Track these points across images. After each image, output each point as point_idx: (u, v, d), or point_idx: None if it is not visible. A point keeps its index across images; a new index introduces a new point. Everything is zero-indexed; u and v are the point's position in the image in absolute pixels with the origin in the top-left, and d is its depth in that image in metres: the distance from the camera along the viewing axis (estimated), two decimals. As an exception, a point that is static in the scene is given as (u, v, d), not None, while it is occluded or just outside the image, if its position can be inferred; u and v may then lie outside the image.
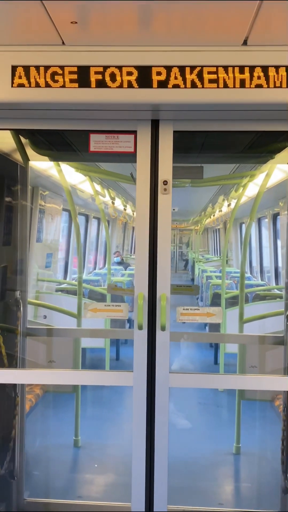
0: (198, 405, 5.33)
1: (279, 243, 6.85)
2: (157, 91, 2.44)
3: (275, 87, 2.42)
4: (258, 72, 2.41)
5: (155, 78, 2.43)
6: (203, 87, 2.42)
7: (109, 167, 4.75)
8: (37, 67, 2.45)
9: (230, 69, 2.41)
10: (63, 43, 2.44)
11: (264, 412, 4.60)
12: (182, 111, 2.63)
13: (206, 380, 2.94)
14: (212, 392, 5.48)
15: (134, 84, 2.44)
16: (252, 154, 3.62)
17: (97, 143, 2.78)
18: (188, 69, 2.42)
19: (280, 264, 6.89)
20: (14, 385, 3.38)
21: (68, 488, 3.86)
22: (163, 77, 2.43)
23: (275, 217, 6.83)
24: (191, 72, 2.42)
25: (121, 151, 2.77)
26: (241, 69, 2.41)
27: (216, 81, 2.42)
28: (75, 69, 2.44)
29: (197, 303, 8.43)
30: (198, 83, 2.42)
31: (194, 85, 2.43)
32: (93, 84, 2.45)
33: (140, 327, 2.75)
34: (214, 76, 2.41)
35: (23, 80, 2.47)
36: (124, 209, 7.55)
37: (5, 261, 3.55)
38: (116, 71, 2.43)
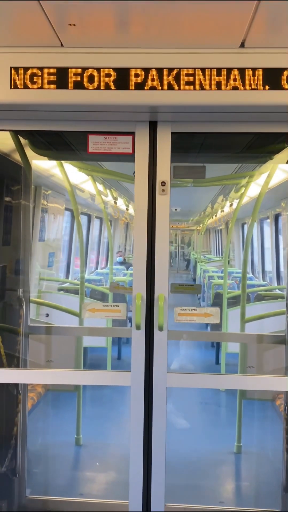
0: (199, 404, 5.34)
1: (281, 243, 6.85)
2: (154, 93, 2.45)
3: (273, 89, 2.42)
4: (256, 74, 2.42)
5: (156, 80, 2.45)
6: (200, 89, 2.44)
7: (111, 166, 4.77)
8: (36, 69, 2.47)
9: (228, 71, 2.42)
10: (61, 45, 2.46)
11: (265, 411, 4.61)
12: (179, 113, 2.64)
13: (203, 380, 2.96)
14: (214, 391, 5.49)
15: (131, 86, 2.45)
16: (251, 154, 3.63)
17: (95, 144, 2.80)
18: (183, 72, 2.43)
19: (282, 264, 6.89)
20: (16, 383, 3.41)
21: (69, 486, 3.89)
22: (160, 80, 2.44)
23: (277, 217, 6.83)
24: (188, 75, 2.43)
25: (120, 152, 2.79)
26: (239, 71, 2.42)
27: (215, 83, 2.43)
28: (76, 70, 2.46)
29: (198, 303, 8.45)
30: (197, 85, 2.43)
31: (191, 87, 2.43)
32: (93, 85, 2.47)
33: (138, 327, 2.77)
34: (212, 78, 2.42)
35: (22, 82, 2.49)
36: (127, 209, 7.56)
37: (6, 260, 3.58)
38: (113, 73, 2.45)
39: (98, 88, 2.47)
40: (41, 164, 4.50)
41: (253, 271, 8.42)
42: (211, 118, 2.69)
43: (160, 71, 2.44)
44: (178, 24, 2.21)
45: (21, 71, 2.48)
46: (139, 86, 2.46)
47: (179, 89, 2.44)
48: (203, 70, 2.43)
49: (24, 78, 2.49)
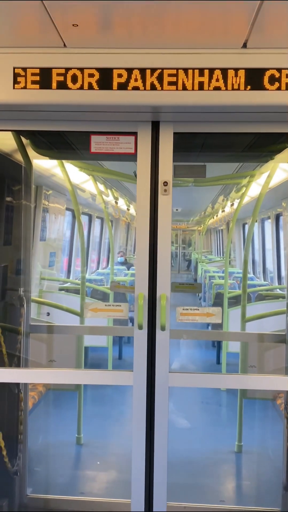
0: (200, 404, 5.35)
1: (281, 243, 6.86)
2: (156, 93, 2.46)
3: (275, 89, 2.43)
4: (257, 74, 2.43)
5: (157, 81, 2.45)
6: (203, 89, 2.44)
7: (112, 166, 4.78)
8: (38, 69, 2.48)
9: (230, 71, 2.43)
10: (64, 45, 2.47)
11: (265, 410, 4.62)
12: (182, 113, 2.65)
13: (205, 380, 2.96)
14: (215, 391, 5.50)
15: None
16: (252, 154, 3.64)
17: (98, 144, 2.81)
18: (190, 72, 2.44)
19: (283, 264, 6.90)
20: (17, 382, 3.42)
21: (70, 485, 3.90)
22: (160, 80, 2.44)
23: (277, 217, 6.83)
24: (192, 74, 2.43)
25: (122, 152, 2.79)
26: (241, 71, 2.43)
27: (218, 83, 2.43)
28: (76, 71, 2.47)
29: (199, 303, 8.46)
30: (199, 86, 2.44)
31: (195, 87, 2.44)
32: (95, 86, 2.47)
33: (140, 327, 2.77)
34: (215, 79, 2.43)
35: (24, 82, 2.50)
36: (128, 209, 7.57)
37: (8, 260, 3.59)
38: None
39: (101, 88, 2.47)
40: (42, 164, 4.51)
41: (254, 271, 8.43)
42: (213, 118, 2.69)
43: (161, 71, 2.44)
44: (184, 24, 2.22)
45: (24, 71, 2.49)
46: (141, 87, 2.46)
47: (181, 89, 2.45)
48: (204, 70, 2.43)
49: (26, 78, 2.49)
